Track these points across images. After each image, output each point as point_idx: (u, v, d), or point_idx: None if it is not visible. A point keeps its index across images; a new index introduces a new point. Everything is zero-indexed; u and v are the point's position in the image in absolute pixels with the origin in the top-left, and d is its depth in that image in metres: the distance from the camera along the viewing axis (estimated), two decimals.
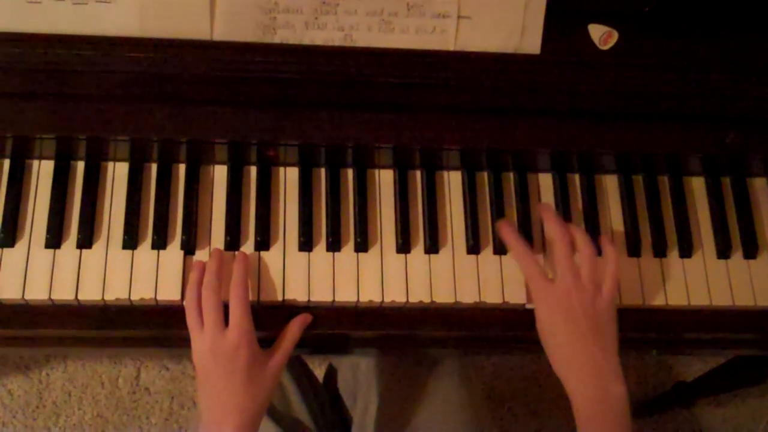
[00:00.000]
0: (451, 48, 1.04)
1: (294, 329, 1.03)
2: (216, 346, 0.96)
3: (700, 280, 1.12)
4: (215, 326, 0.97)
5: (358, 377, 1.36)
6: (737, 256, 1.14)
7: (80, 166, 1.07)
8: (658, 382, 2.17)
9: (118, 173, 1.07)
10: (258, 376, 0.98)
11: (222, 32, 1.00)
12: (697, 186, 1.17)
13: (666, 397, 2.05)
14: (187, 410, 2.03)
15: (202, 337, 0.97)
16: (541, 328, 1.02)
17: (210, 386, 0.97)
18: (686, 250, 1.13)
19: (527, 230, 1.11)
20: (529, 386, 2.14)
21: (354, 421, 1.32)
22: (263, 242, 1.06)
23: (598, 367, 0.97)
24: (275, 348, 1.02)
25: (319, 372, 1.62)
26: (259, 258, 1.06)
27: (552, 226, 1.05)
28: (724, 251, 1.13)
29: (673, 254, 1.13)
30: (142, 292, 1.02)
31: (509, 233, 1.06)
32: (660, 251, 1.12)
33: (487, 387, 2.12)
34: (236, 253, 1.05)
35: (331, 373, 1.50)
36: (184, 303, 1.00)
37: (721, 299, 1.11)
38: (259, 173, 1.09)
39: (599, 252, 1.05)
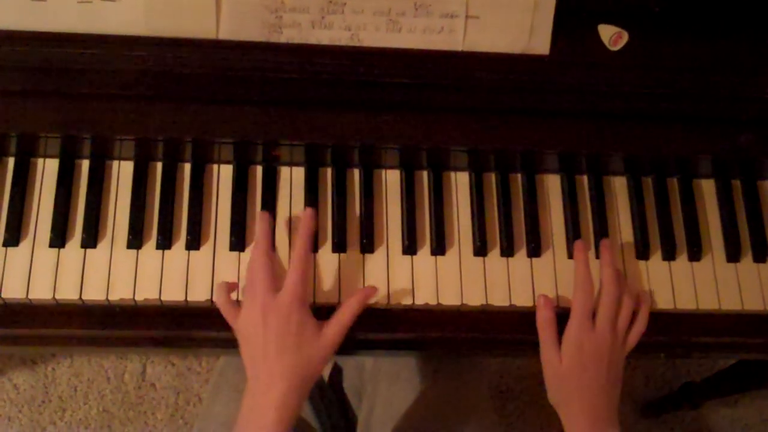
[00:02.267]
0: (459, 48, 1.03)
1: (353, 302, 1.00)
2: (267, 307, 0.95)
3: (709, 283, 1.11)
4: (266, 287, 0.96)
5: (364, 377, 1.35)
6: (747, 259, 1.13)
7: (85, 164, 1.07)
8: (665, 382, 2.16)
9: (123, 172, 1.07)
10: (308, 343, 0.96)
11: (228, 31, 0.99)
12: (707, 188, 1.16)
13: (673, 397, 2.04)
14: (192, 406, 2.03)
15: (254, 298, 0.97)
16: (564, 369, 1.02)
17: (261, 349, 0.95)
18: (695, 253, 1.12)
19: (535, 233, 1.10)
20: (537, 383, 2.13)
21: (359, 420, 1.31)
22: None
23: (600, 413, 1.00)
24: (331, 319, 0.99)
25: (325, 370, 1.61)
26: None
27: (608, 278, 1.05)
28: (733, 255, 1.12)
29: (682, 257, 1.12)
30: (147, 293, 1.02)
31: (582, 258, 1.06)
32: (669, 254, 1.11)
33: (493, 385, 2.12)
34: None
35: (337, 373, 1.50)
36: (248, 268, 1.01)
37: (731, 303, 1.10)
38: (264, 173, 1.09)
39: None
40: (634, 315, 1.06)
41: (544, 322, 1.04)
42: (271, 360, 0.95)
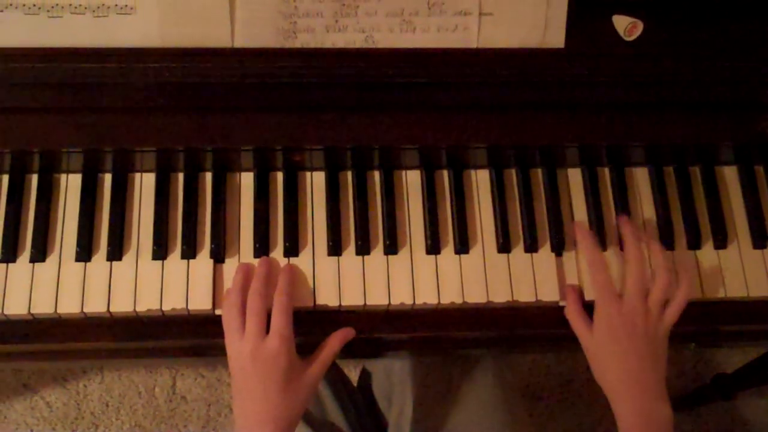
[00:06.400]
0: (474, 45, 1.03)
1: (334, 342, 1.02)
2: (257, 351, 0.96)
3: (736, 271, 1.10)
4: (258, 332, 0.97)
5: (392, 380, 1.35)
6: None
7: (107, 178, 1.08)
8: (698, 374, 2.14)
9: (145, 184, 1.08)
10: (294, 385, 0.98)
11: (243, 39, 0.99)
12: (730, 175, 1.15)
13: (706, 389, 2.02)
14: (224, 417, 2.03)
15: (243, 342, 0.97)
16: (596, 343, 1.01)
17: (246, 392, 0.97)
18: (721, 241, 1.11)
19: (558, 228, 1.09)
20: (566, 382, 2.12)
21: (389, 424, 1.31)
22: (292, 248, 1.06)
23: (648, 388, 0.98)
24: (313, 359, 1.01)
25: (353, 376, 1.61)
26: (289, 264, 1.05)
27: (630, 243, 1.05)
28: (759, 241, 1.11)
29: (708, 246, 1.11)
30: (174, 303, 1.02)
31: (586, 239, 1.06)
32: (694, 243, 1.10)
33: (523, 384, 2.11)
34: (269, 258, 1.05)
35: (366, 377, 1.49)
36: (225, 304, 1.00)
37: (759, 290, 1.09)
38: (285, 179, 1.09)
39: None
40: None
41: (572, 314, 1.04)
42: (260, 403, 0.96)
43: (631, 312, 1.00)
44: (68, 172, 1.07)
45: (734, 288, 1.09)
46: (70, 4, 0.96)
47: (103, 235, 1.05)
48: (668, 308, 1.02)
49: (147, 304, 1.02)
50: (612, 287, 1.02)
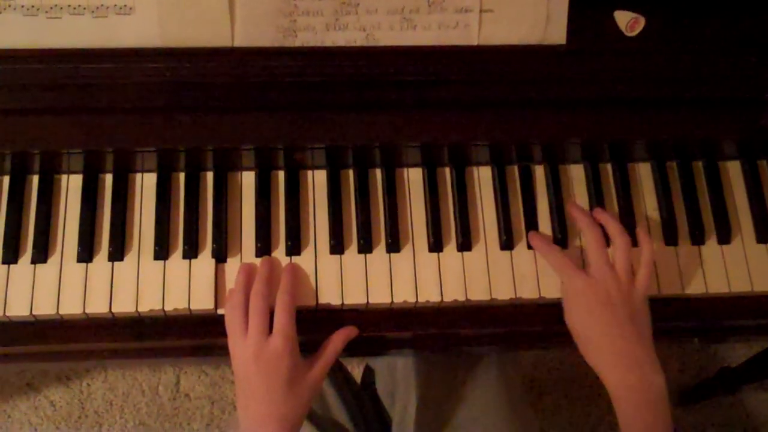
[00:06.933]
0: (475, 42, 1.02)
1: (337, 341, 1.02)
2: (260, 352, 0.95)
3: (740, 266, 1.10)
4: (261, 332, 0.96)
5: (396, 377, 1.35)
6: None
7: (108, 178, 1.07)
8: (702, 368, 2.14)
9: (146, 184, 1.07)
10: (298, 385, 0.97)
11: (243, 38, 0.99)
12: (733, 170, 1.15)
13: (710, 383, 2.02)
14: (227, 415, 2.03)
15: (245, 342, 0.96)
16: (575, 321, 1.01)
17: (250, 393, 0.97)
18: (724, 236, 1.10)
19: (561, 222, 1.09)
20: (570, 377, 2.12)
21: (393, 421, 1.31)
22: (294, 247, 1.06)
23: (635, 357, 0.97)
24: (316, 358, 1.01)
25: (357, 373, 1.61)
26: (291, 263, 1.05)
27: (580, 219, 1.06)
28: (763, 235, 1.11)
29: (711, 241, 1.11)
30: (176, 303, 1.02)
31: (532, 235, 1.08)
32: (698, 238, 1.10)
33: (527, 380, 2.11)
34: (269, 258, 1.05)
35: (369, 374, 1.49)
36: (228, 305, 1.00)
37: (763, 284, 1.09)
38: (287, 178, 1.09)
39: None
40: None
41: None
42: (264, 404, 0.96)
43: (601, 281, 0.99)
44: (69, 172, 1.07)
45: (738, 282, 1.09)
46: (69, 5, 0.96)
47: (105, 236, 1.04)
48: (637, 272, 1.01)
49: (149, 304, 1.02)
50: (575, 265, 1.02)
